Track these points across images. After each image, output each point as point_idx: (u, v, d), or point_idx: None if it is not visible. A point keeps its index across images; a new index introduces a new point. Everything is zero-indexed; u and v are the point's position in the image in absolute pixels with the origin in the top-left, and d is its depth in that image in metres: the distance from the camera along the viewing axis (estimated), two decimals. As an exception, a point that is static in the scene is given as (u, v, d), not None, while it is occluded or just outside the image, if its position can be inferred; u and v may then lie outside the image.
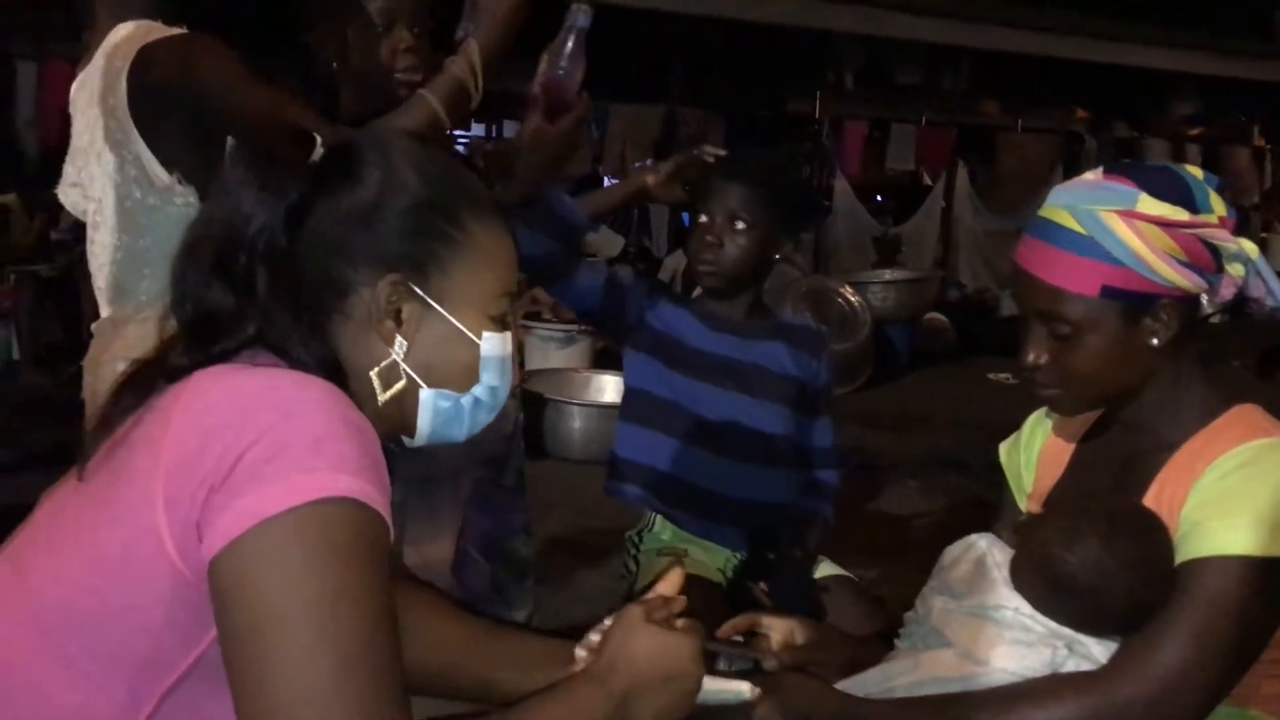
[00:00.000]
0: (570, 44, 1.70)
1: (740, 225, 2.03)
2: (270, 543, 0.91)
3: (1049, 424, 1.56)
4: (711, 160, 2.10)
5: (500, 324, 1.13)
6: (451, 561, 2.07)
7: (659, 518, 2.13)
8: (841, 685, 1.38)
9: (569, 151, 1.77)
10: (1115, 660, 1.27)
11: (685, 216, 10.31)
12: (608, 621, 1.20)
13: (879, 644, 1.54)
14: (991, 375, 7.71)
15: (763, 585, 1.92)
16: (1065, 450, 1.52)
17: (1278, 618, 1.26)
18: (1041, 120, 12.23)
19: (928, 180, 11.70)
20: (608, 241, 9.63)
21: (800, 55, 9.60)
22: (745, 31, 8.55)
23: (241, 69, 1.60)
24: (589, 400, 5.20)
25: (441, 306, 1.09)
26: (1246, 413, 1.34)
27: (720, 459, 2.08)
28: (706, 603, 1.89)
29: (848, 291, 6.75)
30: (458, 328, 1.10)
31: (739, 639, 1.46)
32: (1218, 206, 1.29)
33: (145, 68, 1.65)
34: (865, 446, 5.37)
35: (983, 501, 4.78)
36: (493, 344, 1.12)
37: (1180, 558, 1.26)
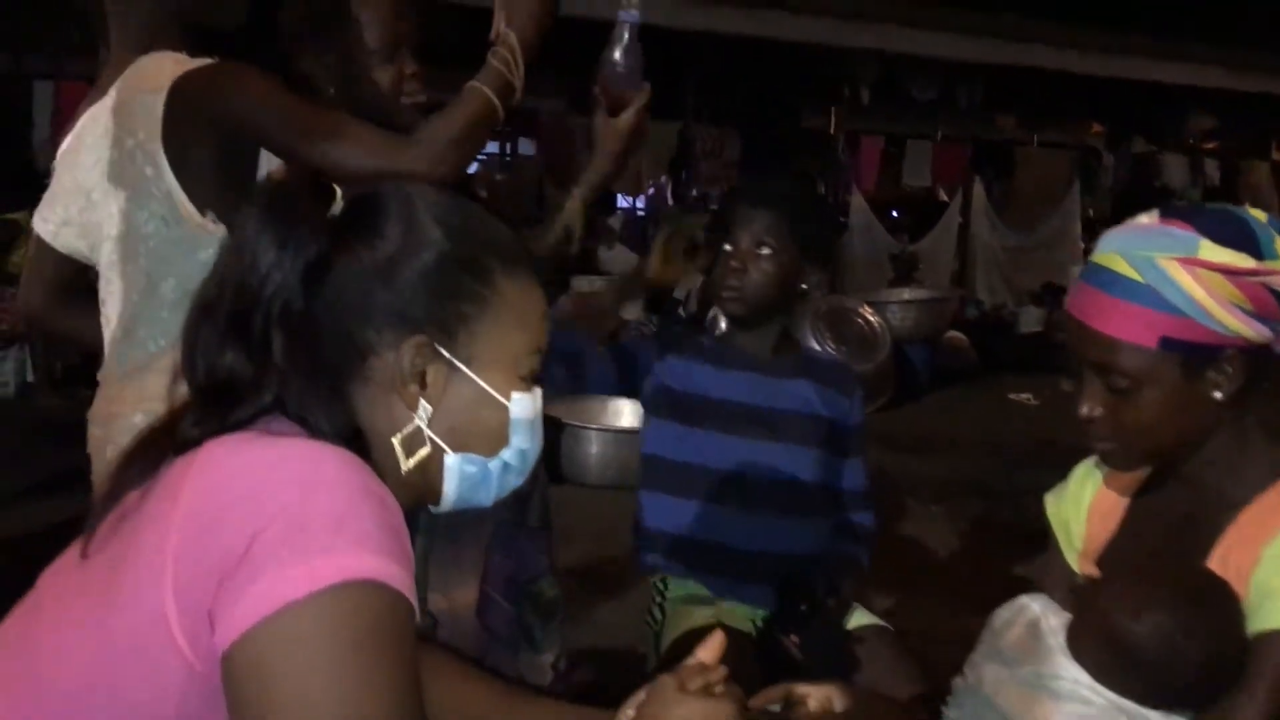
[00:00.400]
0: (626, 38, 1.73)
1: (765, 251, 1.97)
2: (289, 631, 0.85)
3: (1100, 476, 1.49)
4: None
5: (530, 383, 1.07)
6: (476, 605, 2.01)
7: None
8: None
9: (636, 142, 1.78)
10: (1186, 740, 1.19)
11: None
12: (642, 694, 1.13)
13: (922, 709, 1.47)
14: (1012, 395, 7.63)
15: (794, 638, 1.84)
16: (1118, 505, 1.45)
17: None
18: (1057, 135, 12.17)
19: (943, 196, 11.64)
20: (621, 259, 9.58)
21: (816, 71, 9.55)
22: (761, 48, 8.50)
23: (284, 87, 1.56)
24: (606, 424, 5.13)
25: (469, 368, 1.03)
26: (1318, 472, 1.27)
27: (749, 515, 2.00)
28: (737, 655, 1.81)
29: (867, 311, 6.67)
30: (486, 390, 1.04)
31: (775, 708, 1.38)
32: None
33: (182, 96, 1.57)
34: (886, 469, 5.27)
35: (1008, 528, 4.69)
36: (523, 405, 1.06)
37: (1253, 629, 1.18)
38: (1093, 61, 9.88)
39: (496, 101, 1.60)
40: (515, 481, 1.09)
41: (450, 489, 1.05)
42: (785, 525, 2.01)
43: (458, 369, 1.02)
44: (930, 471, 5.42)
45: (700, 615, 1.95)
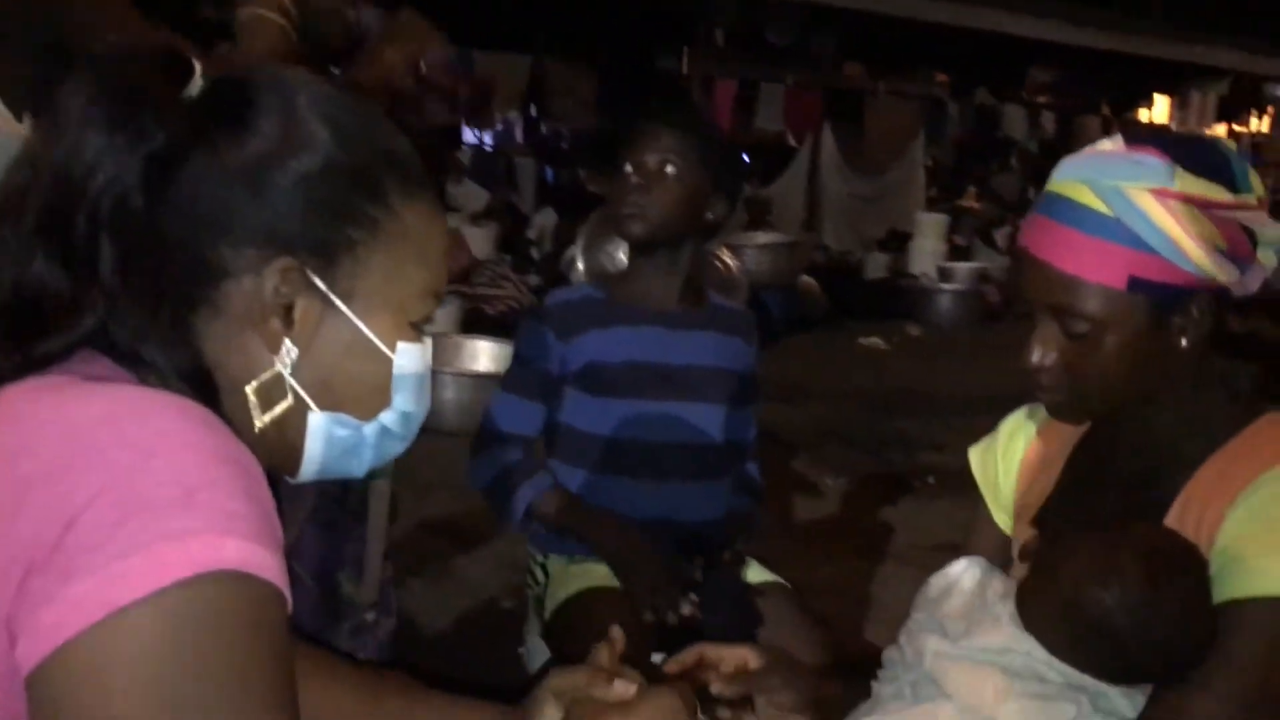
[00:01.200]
0: None
1: (671, 170, 1.80)
2: (124, 645, 0.64)
3: (1033, 428, 1.37)
4: None
5: (420, 333, 0.88)
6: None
7: None
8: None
9: None
10: (1149, 718, 1.08)
11: (549, 172, 10.06)
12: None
13: (833, 671, 1.35)
14: (863, 340, 7.69)
15: (694, 597, 1.70)
16: (1055, 460, 1.33)
17: None
18: (904, 85, 12.30)
19: (794, 142, 11.67)
20: (471, 196, 9.26)
21: (671, 11, 9.36)
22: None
23: None
24: (461, 369, 4.88)
25: (348, 306, 0.83)
26: (1276, 424, 1.17)
27: (662, 484, 1.85)
28: (631, 618, 1.68)
29: (725, 254, 6.57)
30: (367, 336, 0.84)
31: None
32: (1257, 185, 1.11)
33: None
34: (749, 416, 5.22)
35: (875, 475, 4.68)
36: (410, 358, 0.86)
37: (1220, 597, 1.08)
38: (941, 9, 10.00)
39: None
40: (396, 449, 0.90)
41: (314, 454, 0.85)
42: (696, 490, 1.88)
43: (334, 305, 0.82)
44: (792, 419, 5.37)
45: (590, 576, 1.79)
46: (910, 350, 7.66)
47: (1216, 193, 1.08)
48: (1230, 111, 16.92)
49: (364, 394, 0.85)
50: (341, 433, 0.85)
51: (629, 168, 1.82)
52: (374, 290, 0.83)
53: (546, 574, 1.89)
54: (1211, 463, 1.15)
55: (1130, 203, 1.07)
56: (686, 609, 1.69)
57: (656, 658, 1.60)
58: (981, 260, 10.18)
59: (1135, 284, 1.09)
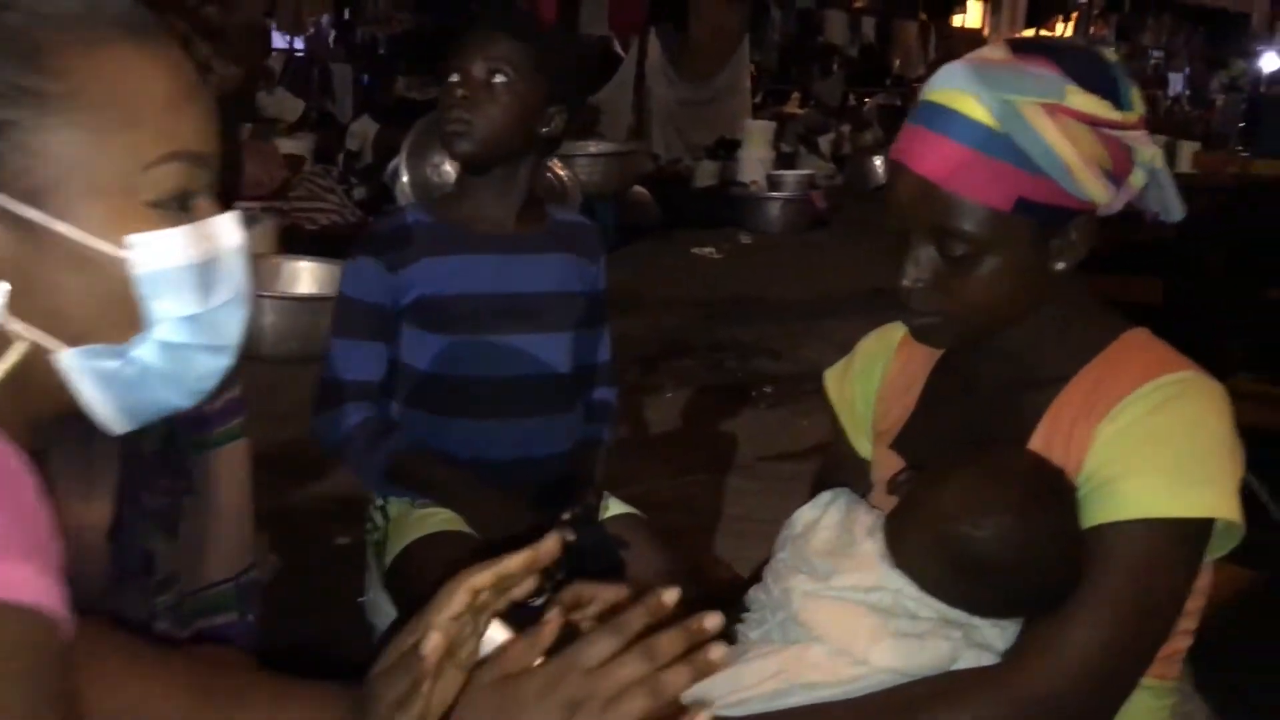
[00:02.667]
0: None
1: (501, 80, 1.65)
2: None
3: (891, 350, 1.32)
4: None
5: (174, 210, 0.71)
6: (108, 528, 1.61)
7: None
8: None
9: None
10: (1024, 651, 1.06)
11: (367, 78, 9.58)
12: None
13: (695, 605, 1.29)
14: (695, 250, 7.68)
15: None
16: (915, 382, 1.28)
17: (1193, 580, 1.08)
18: (727, -12, 12.19)
19: (619, 49, 11.46)
20: (285, 106, 8.76)
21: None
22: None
23: None
24: (280, 292, 4.61)
25: (39, 208, 0.67)
26: (1141, 340, 1.15)
27: (509, 422, 1.74)
28: (476, 559, 1.58)
29: (556, 165, 6.40)
30: (78, 238, 0.68)
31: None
32: (1138, 102, 1.06)
33: None
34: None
35: (715, 386, 4.68)
36: (158, 249, 0.70)
37: (1089, 521, 1.05)
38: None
39: None
40: (212, 364, 0.74)
41: (97, 399, 0.70)
42: (547, 425, 1.77)
43: (19, 215, 0.66)
44: (629, 330, 5.32)
45: (435, 519, 1.68)
46: (741, 258, 7.69)
47: (1106, 110, 1.02)
48: (1038, 15, 17.49)
49: (103, 311, 0.69)
50: (110, 364, 0.70)
51: (455, 78, 1.66)
52: (67, 178, 0.67)
53: (387, 517, 1.77)
54: (1077, 381, 1.12)
55: (1022, 119, 1.01)
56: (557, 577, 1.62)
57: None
58: (807, 167, 10.28)
59: (1022, 205, 1.03)
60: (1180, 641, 1.14)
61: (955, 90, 1.03)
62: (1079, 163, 1.01)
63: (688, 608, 1.35)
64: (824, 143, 11.41)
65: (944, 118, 1.03)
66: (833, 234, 8.52)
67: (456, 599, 0.81)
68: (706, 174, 10.16)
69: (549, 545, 0.86)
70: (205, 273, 0.72)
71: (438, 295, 1.70)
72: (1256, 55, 22.26)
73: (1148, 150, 1.07)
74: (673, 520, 3.15)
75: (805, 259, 7.46)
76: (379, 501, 1.79)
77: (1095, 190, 1.04)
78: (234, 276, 0.74)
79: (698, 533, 3.11)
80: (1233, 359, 5.16)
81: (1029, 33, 17.62)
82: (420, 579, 1.59)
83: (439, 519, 1.68)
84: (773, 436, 4.00)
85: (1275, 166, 5.55)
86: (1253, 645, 2.73)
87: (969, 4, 16.97)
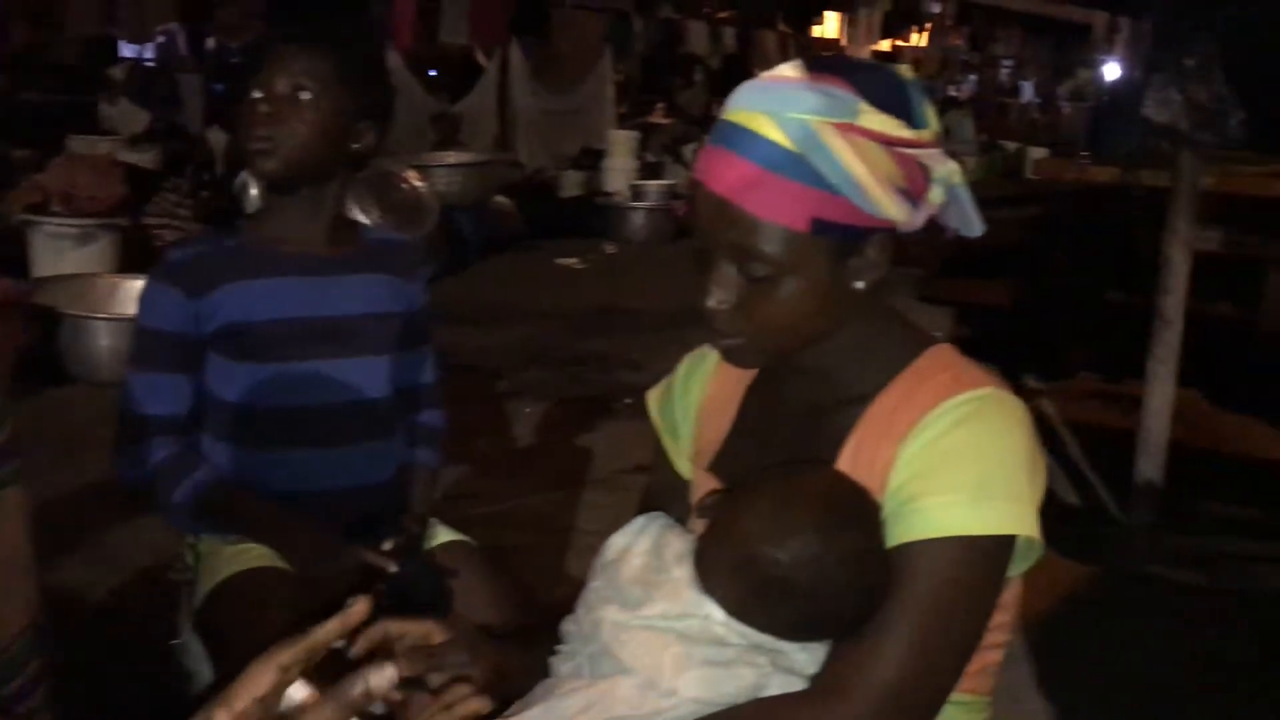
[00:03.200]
0: None
1: (305, 96, 1.58)
2: None
3: (708, 369, 1.30)
4: None
5: None
6: None
7: None
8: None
9: None
10: (830, 675, 1.04)
11: (219, 87, 9.30)
12: None
13: (527, 638, 1.25)
14: (560, 260, 7.64)
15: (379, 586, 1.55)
16: (731, 402, 1.27)
17: (997, 596, 1.08)
18: (590, -2, 12.22)
19: (481, 58, 11.36)
20: (129, 117, 8.43)
21: (344, -86, 8.78)
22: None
23: None
24: (117, 313, 4.41)
25: None
26: (944, 356, 1.15)
27: (324, 452, 1.67)
28: (298, 600, 1.52)
29: (412, 176, 6.29)
30: None
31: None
32: (933, 120, 1.06)
33: None
34: (443, 344, 5.01)
35: (575, 399, 4.63)
36: None
37: (894, 540, 1.05)
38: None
39: None
40: None
41: None
42: (367, 453, 1.70)
43: None
44: (488, 344, 5.25)
45: (248, 555, 1.60)
46: (606, 268, 7.69)
47: (899, 129, 1.02)
48: (893, 27, 17.99)
49: None
50: None
51: (257, 94, 1.58)
52: None
53: (198, 555, 1.68)
54: (881, 399, 1.11)
55: (816, 139, 1.00)
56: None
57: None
58: (673, 177, 10.33)
59: (818, 226, 1.02)
60: (991, 655, 1.14)
61: (751, 110, 1.02)
62: (873, 182, 1.01)
63: (517, 636, 1.31)
64: (689, 152, 11.48)
65: (740, 138, 1.02)
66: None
67: (263, 680, 0.76)
68: (572, 184, 10.14)
69: (358, 609, 0.82)
70: None
71: (245, 322, 1.61)
72: (1099, 65, 23.32)
73: (943, 167, 1.07)
74: (526, 539, 3.12)
75: (669, 269, 7.48)
76: (189, 540, 1.70)
77: (891, 209, 1.03)
78: None
79: (550, 551, 3.07)
80: (1076, 359, 5.36)
81: (885, 44, 18.12)
82: (231, 620, 1.51)
83: (251, 555, 1.60)
84: (631, 448, 3.97)
85: (1112, 172, 5.77)
86: (1087, 636, 2.82)
87: (827, 15, 17.34)
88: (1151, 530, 3.28)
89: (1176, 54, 2.85)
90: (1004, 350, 5.39)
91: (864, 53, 17.60)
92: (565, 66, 11.54)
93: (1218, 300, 5.10)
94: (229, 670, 1.44)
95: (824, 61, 1.04)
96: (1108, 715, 2.53)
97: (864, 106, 1.00)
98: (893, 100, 1.02)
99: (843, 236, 1.03)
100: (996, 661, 1.17)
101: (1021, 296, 5.51)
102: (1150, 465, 3.24)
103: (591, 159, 10.60)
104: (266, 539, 1.60)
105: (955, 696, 1.07)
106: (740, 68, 13.96)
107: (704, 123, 12.79)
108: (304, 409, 1.65)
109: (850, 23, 17.73)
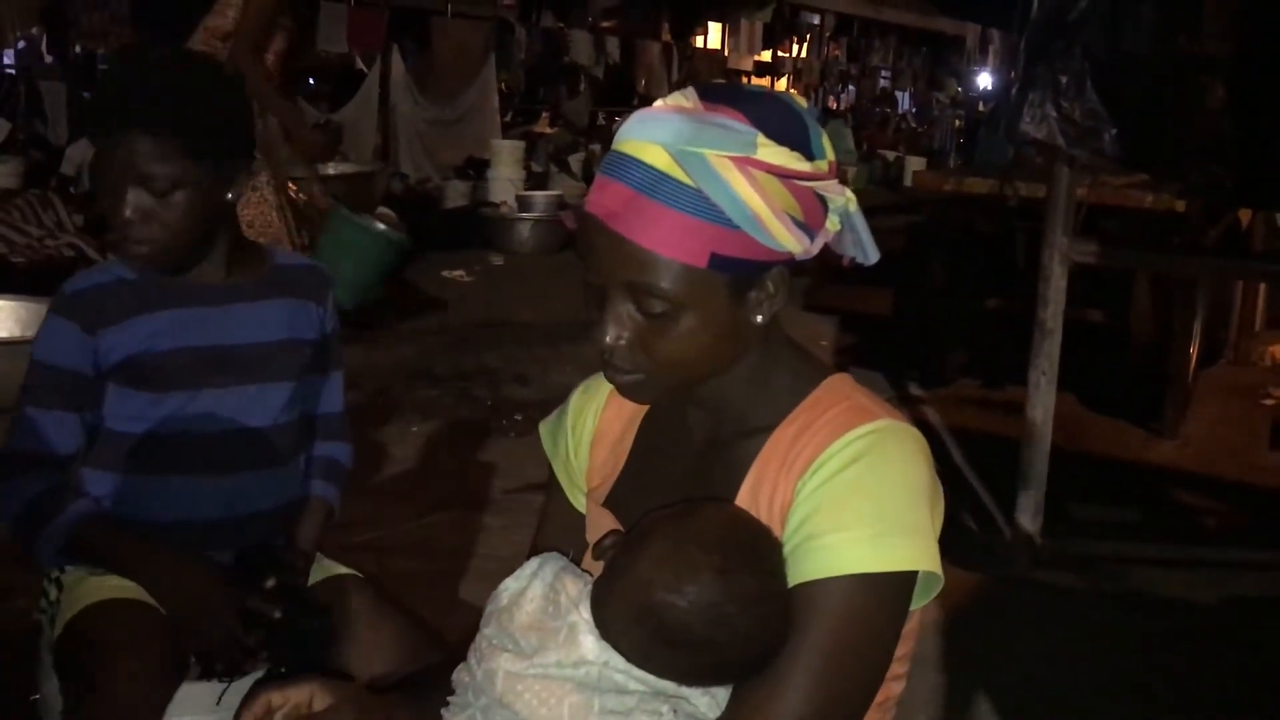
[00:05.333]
0: None
1: (161, 186, 1.48)
2: None
3: (601, 401, 1.26)
4: None
5: None
6: None
7: None
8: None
9: None
10: (735, 719, 1.01)
11: (86, 95, 8.96)
12: None
13: (417, 688, 1.20)
14: (446, 273, 7.52)
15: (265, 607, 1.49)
16: (625, 434, 1.23)
17: (900, 631, 1.07)
18: (471, 7, 12.10)
19: (361, 65, 11.16)
20: (-13, 127, 8.04)
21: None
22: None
23: None
24: (-25, 334, 4.18)
25: None
26: (841, 387, 1.13)
27: (221, 479, 1.61)
28: (161, 636, 1.46)
29: (293, 189, 6.11)
30: None
31: None
32: (828, 150, 1.04)
33: None
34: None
35: (460, 419, 4.55)
36: None
37: (795, 579, 1.02)
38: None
39: None
40: None
41: None
42: (261, 480, 1.65)
43: None
44: (373, 360, 5.13)
45: (112, 585, 1.52)
46: (492, 280, 7.60)
47: (796, 162, 0.99)
48: (773, 38, 18.25)
49: None
50: None
51: (111, 196, 1.49)
52: None
53: (61, 588, 1.58)
54: (779, 433, 1.09)
55: (714, 173, 0.97)
56: (258, 658, 1.49)
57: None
58: (559, 187, 10.29)
59: (716, 261, 0.99)
60: (893, 688, 1.13)
61: (644, 142, 0.98)
62: (771, 216, 0.98)
63: (406, 684, 1.26)
64: (574, 162, 11.46)
65: (635, 171, 0.98)
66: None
67: None
68: (456, 194, 10.02)
69: None
70: None
71: (149, 353, 1.56)
72: (971, 76, 24.01)
73: (840, 198, 1.05)
74: (413, 565, 3.03)
75: (556, 280, 7.44)
76: (53, 573, 1.60)
77: (789, 241, 1.01)
78: None
79: (440, 578, 2.99)
80: (955, 366, 5.48)
81: (766, 54, 18.37)
82: (90, 651, 1.42)
83: (115, 584, 1.52)
84: (520, 466, 3.91)
85: (989, 183, 5.92)
86: (973, 643, 2.86)
87: (710, 26, 17.51)
88: (1034, 535, 3.35)
89: (1050, 70, 2.91)
90: (886, 358, 5.50)
91: (746, 63, 17.85)
92: (447, 75, 11.41)
93: (1088, 308, 5.28)
94: (81, 709, 1.36)
95: (720, 90, 1.01)
96: (995, 721, 2.57)
97: (762, 139, 0.97)
98: (789, 132, 1.00)
99: (741, 271, 1.01)
100: (898, 693, 1.15)
101: (902, 305, 5.61)
102: (1033, 471, 3.31)
103: (476, 169, 10.49)
104: (135, 576, 1.53)
105: None
106: (624, 78, 14.01)
107: (589, 132, 12.79)
108: (203, 436, 1.60)
109: (732, 33, 17.93)
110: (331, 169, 7.28)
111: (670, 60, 14.55)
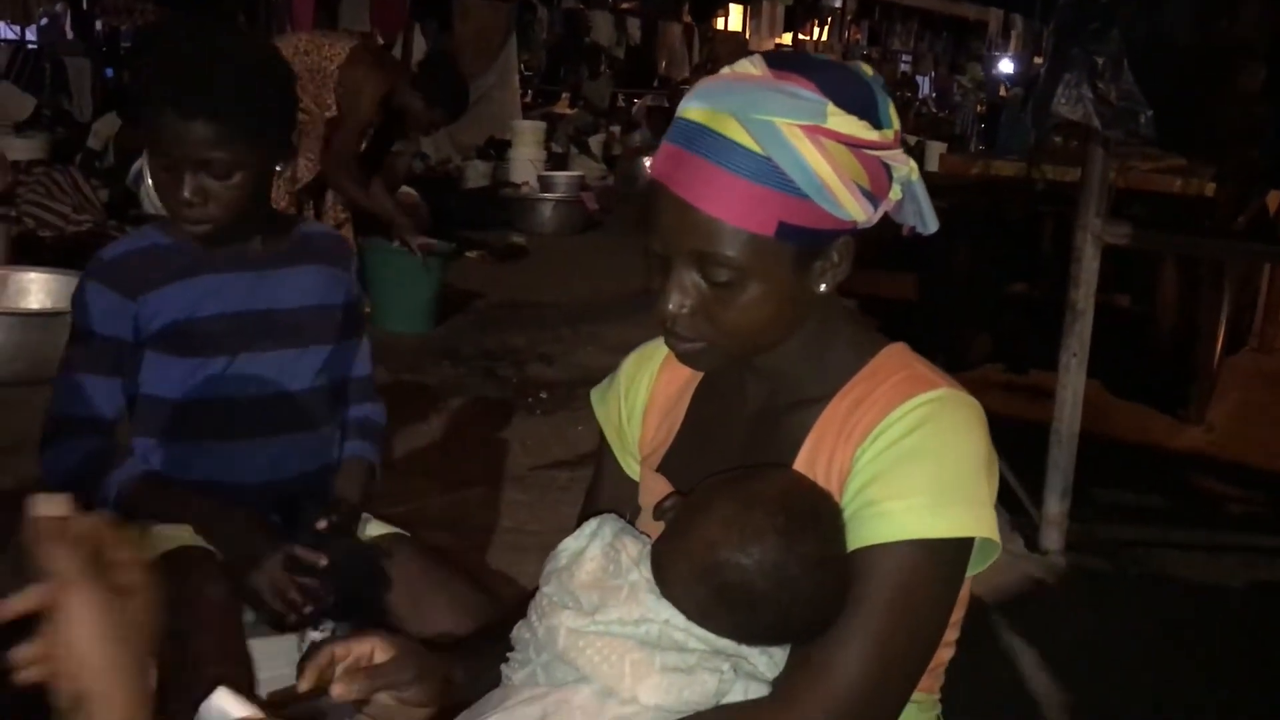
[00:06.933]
0: None
1: (221, 170, 1.52)
2: None
3: (654, 368, 1.27)
4: None
5: None
6: None
7: None
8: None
9: None
10: (792, 680, 1.03)
11: (110, 71, 8.98)
12: None
13: (474, 646, 1.22)
14: (467, 253, 7.52)
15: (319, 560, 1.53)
16: (679, 401, 1.24)
17: (956, 597, 1.08)
18: (492, -13, 12.09)
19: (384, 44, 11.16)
20: (15, 103, 8.08)
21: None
22: None
23: None
24: (7, 307, 4.22)
25: None
26: (900, 356, 1.14)
27: (264, 442, 1.64)
28: (219, 583, 1.50)
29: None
30: None
31: None
32: (894, 119, 1.05)
33: None
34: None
35: (485, 396, 4.57)
36: None
37: (854, 543, 1.03)
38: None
39: None
40: None
41: None
42: (299, 444, 1.68)
43: None
44: (397, 338, 5.14)
45: (172, 537, 1.56)
46: (514, 261, 7.60)
47: (865, 131, 1.00)
48: (794, 21, 18.18)
49: None
50: None
51: (165, 173, 1.53)
52: None
53: None
54: (836, 402, 1.10)
55: (785, 141, 0.97)
56: (308, 607, 1.52)
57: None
58: (579, 168, 10.28)
59: (784, 230, 0.99)
60: (944, 653, 1.14)
61: (714, 110, 0.99)
62: (840, 184, 0.99)
63: (463, 644, 1.28)
64: (594, 143, 11.46)
65: (704, 139, 0.99)
66: (606, 235, 8.54)
67: None
68: (477, 175, 10.02)
69: None
70: None
71: (188, 319, 1.59)
72: (993, 61, 23.86)
73: (904, 167, 1.06)
74: (443, 539, 3.05)
75: (578, 261, 7.44)
76: None
77: (856, 211, 1.01)
78: None
79: (470, 550, 3.01)
80: (980, 351, 5.47)
81: (787, 36, 18.29)
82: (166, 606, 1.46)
83: (176, 536, 1.55)
84: (546, 444, 3.94)
85: (1013, 166, 5.90)
86: (1001, 625, 2.87)
87: (731, 7, 17.45)
88: (1063, 519, 3.35)
89: (1085, 51, 2.90)
90: (910, 343, 5.49)
91: (767, 45, 17.78)
92: (469, 56, 11.40)
93: (1115, 293, 5.26)
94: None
95: (787, 59, 1.02)
96: (1020, 701, 2.57)
97: (831, 108, 0.98)
98: (858, 101, 1.00)
99: (808, 240, 1.01)
100: (948, 659, 1.17)
101: (927, 289, 5.60)
102: (1062, 454, 3.31)
103: (497, 149, 10.49)
104: (195, 525, 1.56)
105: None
106: (645, 59, 13.98)
107: (609, 113, 12.77)
108: (243, 400, 1.63)
109: (753, 15, 17.87)
110: (357, 148, 7.27)
111: (691, 41, 14.51)
